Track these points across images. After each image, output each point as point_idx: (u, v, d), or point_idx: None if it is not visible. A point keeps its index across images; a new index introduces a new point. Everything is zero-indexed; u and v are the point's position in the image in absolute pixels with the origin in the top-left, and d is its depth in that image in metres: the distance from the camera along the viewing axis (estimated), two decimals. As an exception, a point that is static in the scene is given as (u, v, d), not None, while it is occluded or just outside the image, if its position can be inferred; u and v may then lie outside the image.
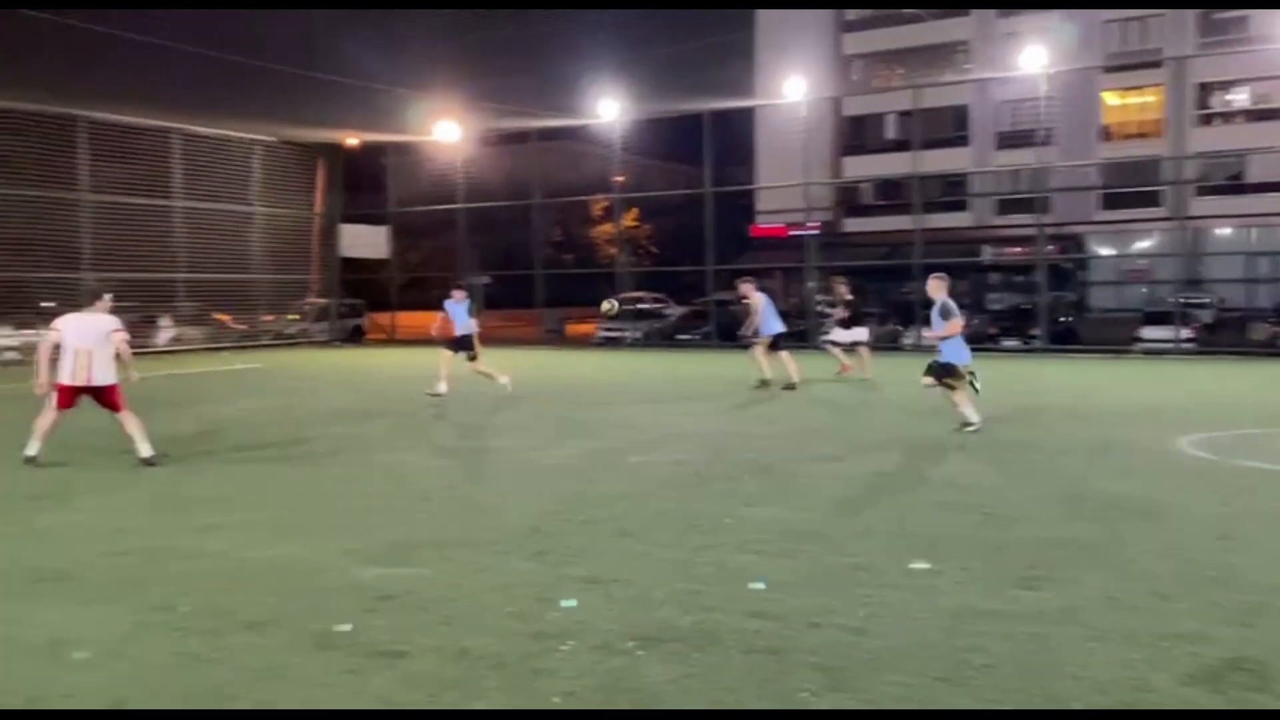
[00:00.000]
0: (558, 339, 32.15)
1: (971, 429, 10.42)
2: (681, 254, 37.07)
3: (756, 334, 15.86)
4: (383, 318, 33.56)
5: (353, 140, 30.98)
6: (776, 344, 15.65)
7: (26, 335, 24.24)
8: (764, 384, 15.15)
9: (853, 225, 38.53)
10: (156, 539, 6.47)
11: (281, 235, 30.96)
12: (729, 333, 27.70)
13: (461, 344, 14.40)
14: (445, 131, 28.90)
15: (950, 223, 33.54)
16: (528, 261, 31.40)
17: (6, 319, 23.69)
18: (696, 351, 26.26)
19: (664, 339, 29.27)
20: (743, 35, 40.90)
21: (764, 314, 15.68)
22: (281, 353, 27.65)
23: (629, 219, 44.18)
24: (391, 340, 31.77)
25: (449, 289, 15.45)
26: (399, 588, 5.31)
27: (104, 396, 9.35)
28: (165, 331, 28.15)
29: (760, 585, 5.23)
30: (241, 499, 7.76)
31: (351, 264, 33.65)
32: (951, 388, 10.62)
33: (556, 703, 3.84)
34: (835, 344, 17.55)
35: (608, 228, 43.81)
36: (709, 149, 27.60)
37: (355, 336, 32.90)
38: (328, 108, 24.61)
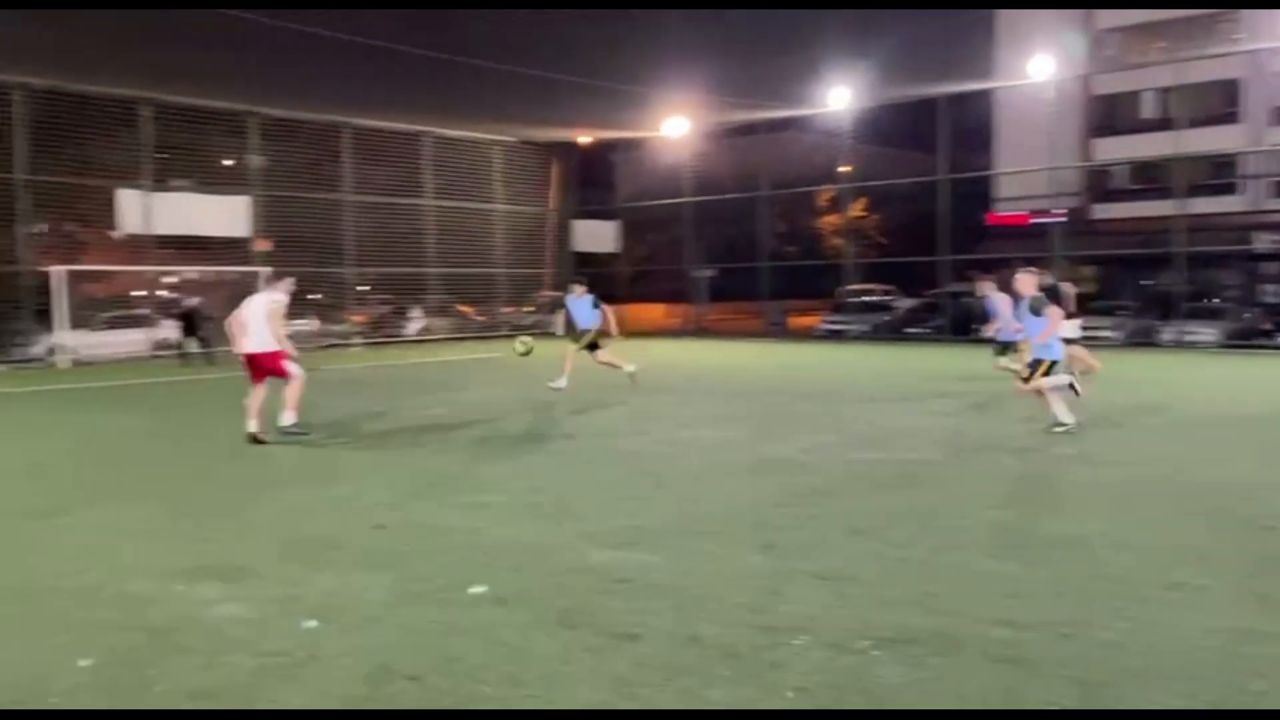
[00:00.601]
0: (780, 332, 31.94)
1: (1062, 430, 9.87)
2: (912, 244, 35.87)
3: (999, 337, 14.96)
4: (612, 310, 34.53)
5: (585, 138, 32.02)
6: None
7: (296, 325, 26.76)
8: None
9: (1102, 211, 35.92)
10: (414, 514, 6.96)
11: (519, 231, 32.53)
12: (962, 326, 26.53)
13: (582, 337, 14.46)
14: (673, 127, 29.33)
15: (1217, 207, 30.58)
16: (752, 254, 31.37)
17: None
18: (926, 346, 25.37)
19: (891, 332, 28.45)
20: (982, 14, 38.94)
21: (1007, 315, 14.77)
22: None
23: (857, 209, 43.14)
24: (620, 332, 32.62)
25: (570, 286, 15.32)
26: (633, 572, 5.45)
27: (259, 362, 10.11)
28: (415, 322, 30.25)
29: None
30: (488, 479, 8.20)
31: (582, 258, 34.85)
32: (1028, 383, 10.15)
33: (790, 698, 3.82)
34: (1070, 341, 16.43)
35: (834, 218, 43.01)
36: (944, 134, 26.55)
37: (584, 329, 34.02)
38: (562, 108, 25.53)
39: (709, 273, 35.14)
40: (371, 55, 18.36)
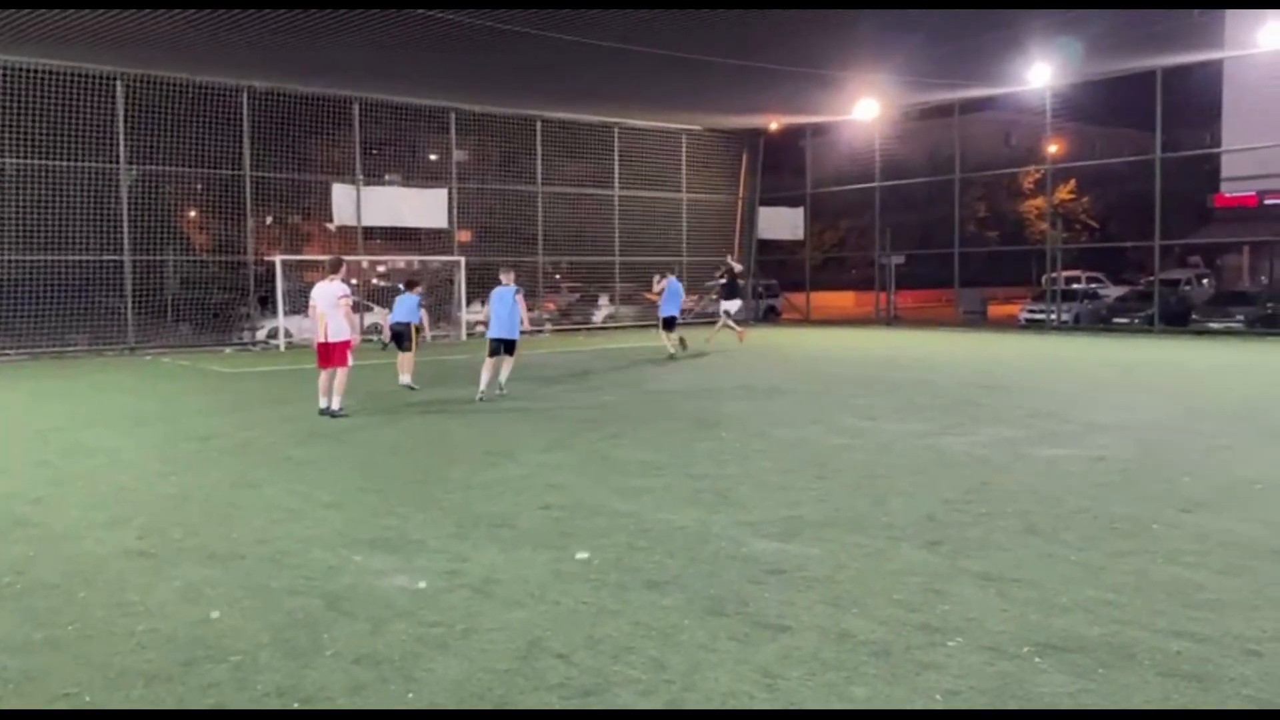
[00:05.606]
0: (979, 320, 30.66)
1: None
2: (1126, 228, 33.61)
3: None
4: (797, 298, 34.15)
5: (774, 124, 31.66)
6: None
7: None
8: None
9: (1349, 190, 32.39)
10: (579, 496, 7.14)
11: (705, 219, 32.56)
12: (1179, 316, 24.90)
13: (397, 336, 14.37)
14: (864, 109, 28.54)
15: None
16: (947, 239, 30.21)
17: (475, 298, 27.36)
18: (1134, 336, 23.79)
19: (1097, 322, 26.82)
20: (1209, -23, 35.76)
21: None
22: (701, 330, 29.13)
23: (1064, 191, 40.79)
24: (805, 320, 32.26)
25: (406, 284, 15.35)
26: (788, 563, 5.39)
27: (332, 352, 11.22)
28: (602, 310, 30.90)
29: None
30: (653, 465, 8.30)
31: (767, 245, 34.54)
32: None
33: (938, 700, 3.68)
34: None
35: (1039, 202, 40.83)
36: (1161, 110, 24.65)
37: (769, 316, 33.82)
38: (754, 94, 25.27)
39: (898, 260, 34.14)
40: (563, 49, 18.80)
